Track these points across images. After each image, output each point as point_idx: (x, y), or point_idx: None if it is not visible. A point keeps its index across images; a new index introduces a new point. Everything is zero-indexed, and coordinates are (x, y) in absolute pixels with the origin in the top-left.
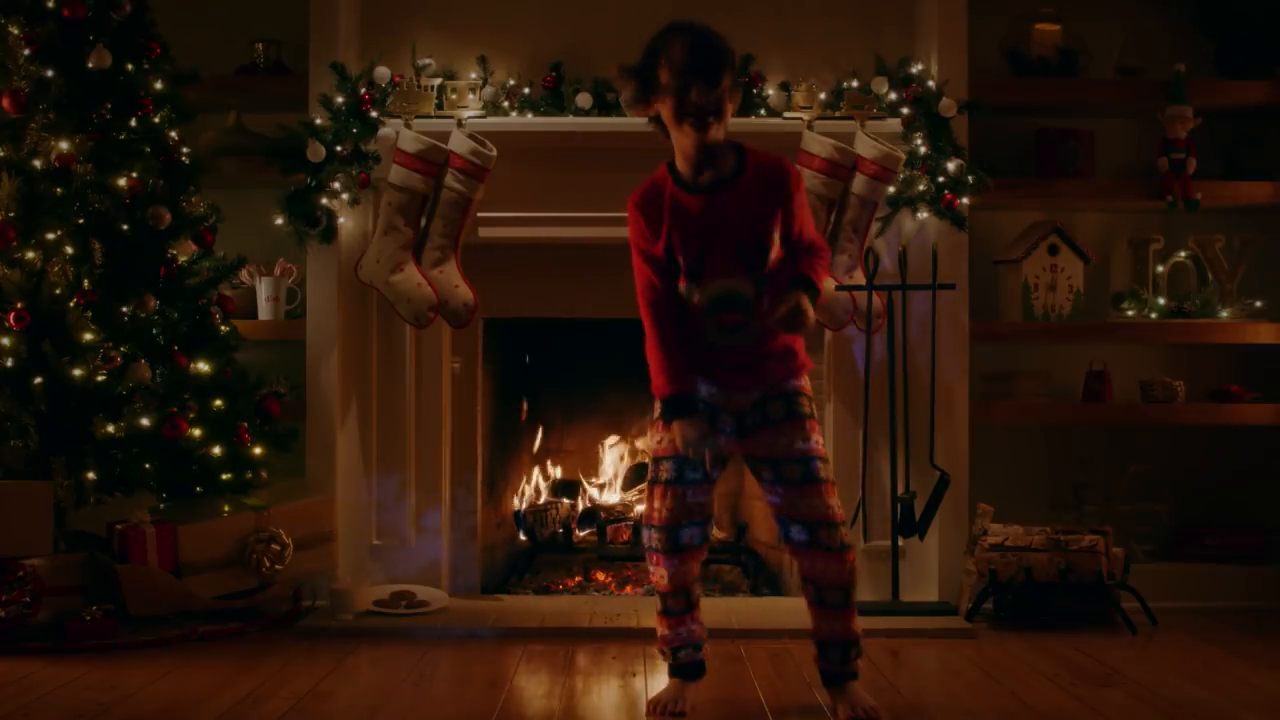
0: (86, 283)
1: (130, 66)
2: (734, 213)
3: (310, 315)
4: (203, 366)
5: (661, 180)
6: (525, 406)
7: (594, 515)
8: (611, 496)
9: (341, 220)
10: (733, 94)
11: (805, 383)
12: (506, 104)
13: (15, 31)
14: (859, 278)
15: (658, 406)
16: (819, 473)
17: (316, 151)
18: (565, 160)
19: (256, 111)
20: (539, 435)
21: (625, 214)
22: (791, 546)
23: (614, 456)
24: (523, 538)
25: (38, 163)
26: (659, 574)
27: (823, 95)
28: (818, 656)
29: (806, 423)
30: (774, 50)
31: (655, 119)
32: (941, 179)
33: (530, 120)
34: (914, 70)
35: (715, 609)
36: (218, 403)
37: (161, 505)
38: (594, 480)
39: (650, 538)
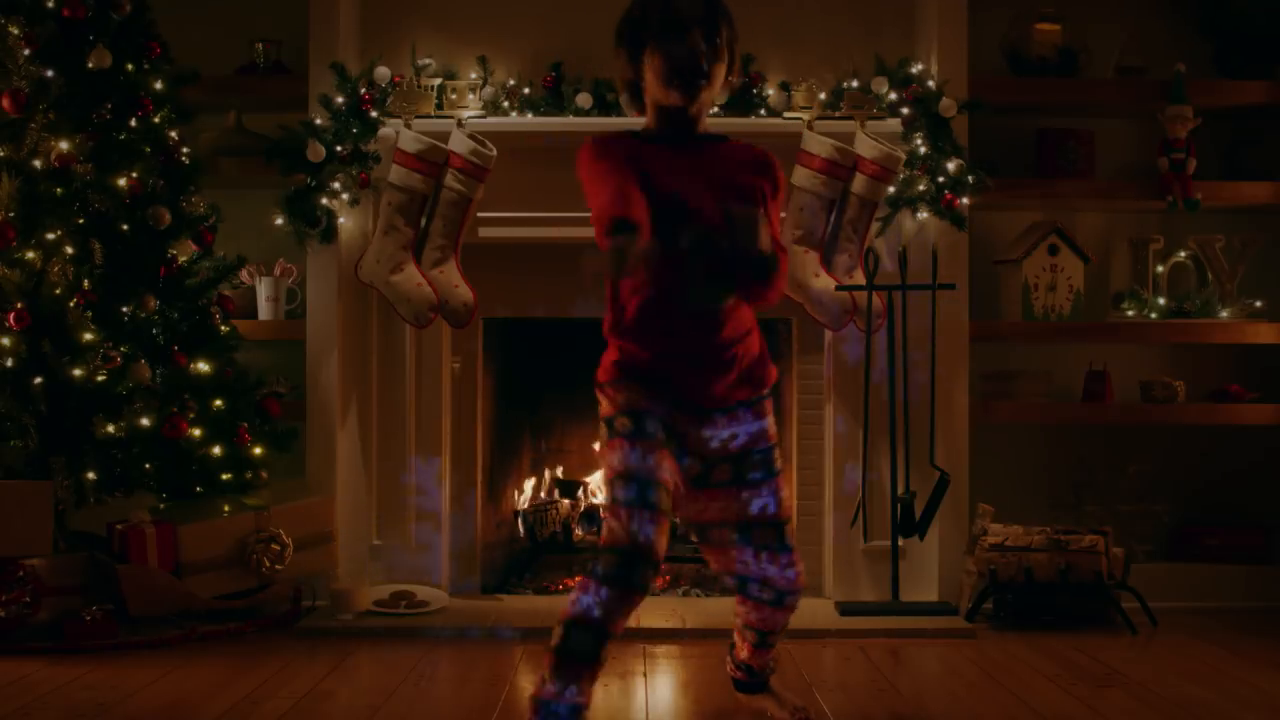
0: (86, 283)
1: (130, 66)
2: (718, 167)
3: (310, 315)
4: (203, 366)
5: (625, 136)
6: (526, 406)
7: (594, 515)
8: None
9: (341, 220)
10: (729, 63)
11: (772, 419)
12: (506, 104)
13: (15, 31)
14: (859, 278)
15: (602, 428)
16: (790, 538)
17: (316, 151)
18: (565, 160)
19: (256, 111)
20: (539, 435)
21: None
22: (749, 600)
23: None
24: (522, 537)
25: (38, 163)
26: (586, 602)
27: (823, 95)
28: (737, 669)
29: (779, 480)
30: (774, 50)
31: (635, 91)
32: (941, 179)
33: (530, 120)
34: (914, 70)
35: (715, 609)
36: (218, 403)
37: (161, 505)
38: (594, 480)
39: (605, 562)
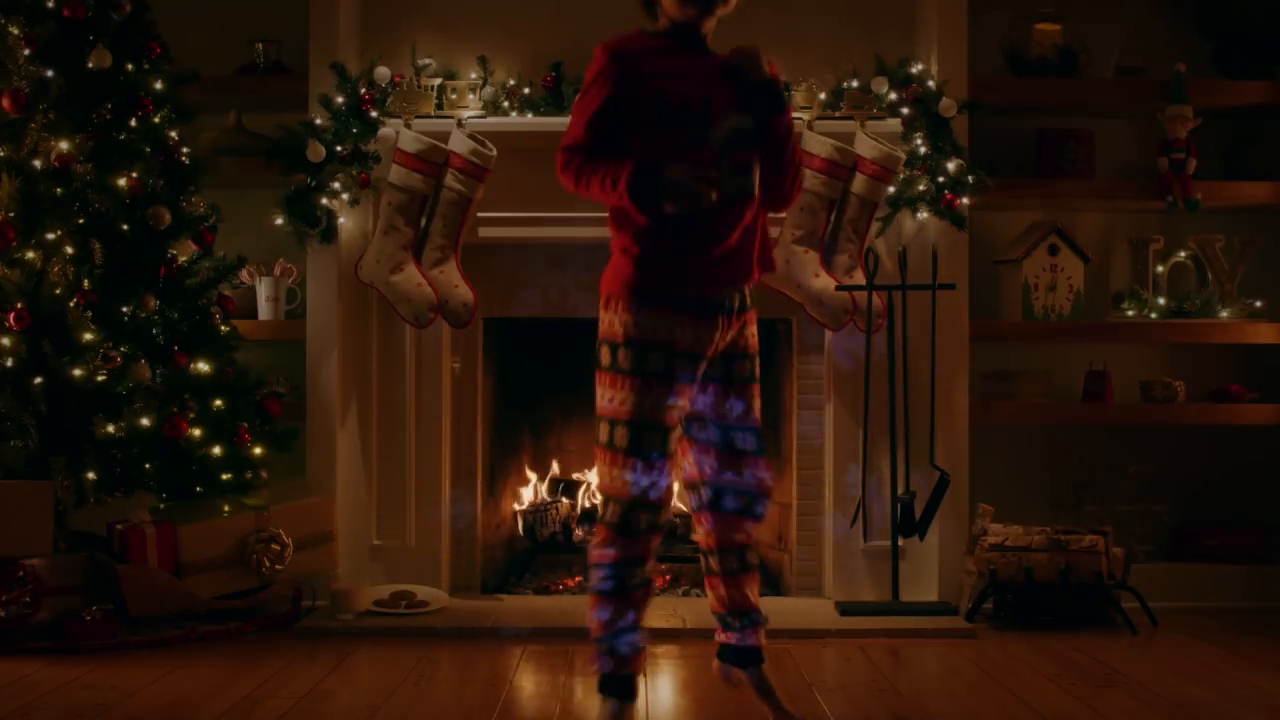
0: (86, 283)
1: (130, 66)
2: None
3: (310, 315)
4: (203, 366)
5: (640, 38)
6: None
7: (594, 515)
8: None
9: (341, 220)
10: None
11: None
12: (506, 104)
13: (15, 31)
14: (859, 278)
15: (602, 350)
16: (760, 442)
17: (316, 151)
18: None
19: (256, 111)
20: (539, 435)
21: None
22: (721, 515)
23: None
24: (522, 537)
25: (38, 163)
26: (606, 548)
27: (823, 95)
28: (723, 628)
29: (756, 387)
30: (774, 50)
31: (648, 2)
32: (941, 179)
33: (530, 120)
34: (914, 70)
35: None
36: (218, 403)
37: (161, 505)
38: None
39: (609, 511)
